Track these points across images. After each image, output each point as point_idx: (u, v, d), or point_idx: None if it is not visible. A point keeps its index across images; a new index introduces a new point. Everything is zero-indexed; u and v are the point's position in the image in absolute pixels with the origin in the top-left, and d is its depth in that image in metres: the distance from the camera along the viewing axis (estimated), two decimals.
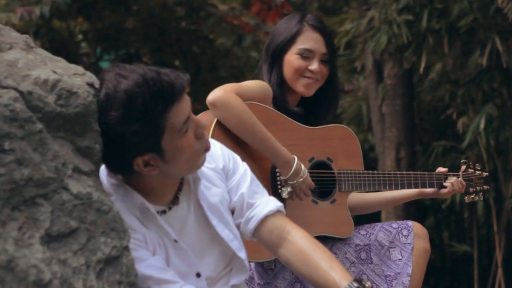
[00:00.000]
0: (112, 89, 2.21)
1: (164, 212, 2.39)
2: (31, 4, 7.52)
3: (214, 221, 2.43)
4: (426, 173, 3.25)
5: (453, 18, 6.06)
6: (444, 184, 3.27)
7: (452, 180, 3.29)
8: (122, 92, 2.20)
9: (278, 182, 3.00)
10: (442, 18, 6.13)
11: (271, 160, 2.96)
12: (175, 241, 2.37)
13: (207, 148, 2.36)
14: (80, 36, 8.71)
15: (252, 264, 3.00)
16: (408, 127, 7.03)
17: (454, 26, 6.11)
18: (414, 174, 3.22)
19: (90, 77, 2.26)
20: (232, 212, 2.50)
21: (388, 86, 6.96)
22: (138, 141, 2.21)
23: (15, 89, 2.06)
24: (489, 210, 7.44)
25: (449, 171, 3.36)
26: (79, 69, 2.27)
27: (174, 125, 2.24)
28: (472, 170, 3.40)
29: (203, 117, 2.95)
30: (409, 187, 3.20)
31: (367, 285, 2.25)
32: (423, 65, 6.16)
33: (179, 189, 2.42)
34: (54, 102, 2.13)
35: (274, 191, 2.99)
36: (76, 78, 2.22)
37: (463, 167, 3.40)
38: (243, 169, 2.53)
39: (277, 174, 3.00)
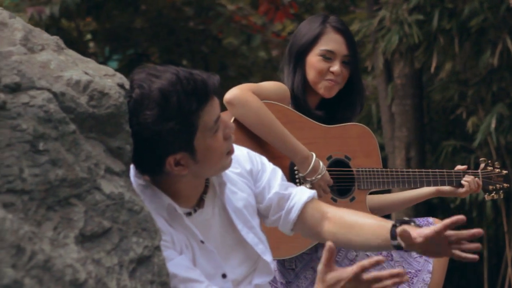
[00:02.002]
0: (146, 88, 2.24)
1: (189, 214, 2.41)
2: (41, 4, 7.54)
3: (239, 225, 2.46)
4: (444, 171, 3.27)
5: (464, 18, 6.07)
6: (462, 182, 3.28)
7: (468, 179, 3.30)
8: (157, 91, 2.22)
9: (297, 179, 3.02)
10: (453, 18, 6.14)
11: (289, 157, 2.98)
12: (202, 242, 2.39)
13: (230, 151, 2.38)
14: (88, 36, 8.72)
15: (274, 264, 3.01)
16: (418, 127, 7.04)
17: (465, 26, 6.12)
18: (432, 172, 3.24)
19: (120, 78, 2.28)
20: (268, 210, 2.53)
21: (398, 86, 6.97)
22: (172, 140, 2.24)
23: (49, 90, 2.08)
24: (497, 210, 7.45)
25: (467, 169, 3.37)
26: (110, 70, 2.29)
27: (206, 123, 2.28)
28: (491, 168, 3.41)
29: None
30: (428, 185, 3.22)
31: (411, 222, 2.34)
32: (434, 64, 6.17)
33: (204, 192, 2.44)
34: (86, 103, 2.15)
35: None
36: (107, 79, 2.24)
37: (482, 165, 3.41)
38: (271, 167, 2.56)
39: (296, 171, 3.03)
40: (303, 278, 3.02)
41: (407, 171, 3.20)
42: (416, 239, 2.29)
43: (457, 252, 2.28)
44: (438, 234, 2.26)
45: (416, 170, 3.23)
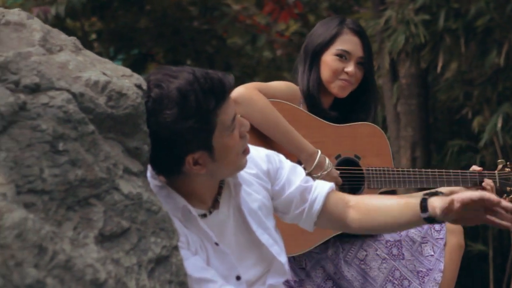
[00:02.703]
0: (165, 88, 2.26)
1: (204, 215, 2.43)
2: (46, 4, 7.56)
3: (254, 226, 2.47)
4: (459, 171, 3.26)
5: (470, 17, 6.08)
6: (484, 185, 3.25)
7: (483, 184, 3.28)
8: (175, 90, 2.25)
9: None
10: (459, 18, 6.15)
11: (295, 154, 3.00)
12: (216, 244, 2.41)
13: (245, 150, 2.40)
14: (93, 36, 8.73)
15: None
16: (423, 127, 7.05)
17: (471, 25, 6.13)
18: (446, 172, 3.24)
19: (138, 78, 2.29)
20: (289, 205, 2.54)
21: (403, 86, 6.98)
22: (191, 138, 2.27)
23: (68, 90, 2.09)
24: None
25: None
26: (127, 70, 2.30)
27: (224, 122, 2.31)
28: (509, 169, 3.41)
29: None
30: (441, 185, 3.22)
31: (439, 193, 2.36)
32: (440, 64, 6.18)
33: (219, 194, 2.46)
34: (104, 104, 2.16)
35: None
36: (125, 79, 2.24)
37: (500, 166, 3.41)
38: (290, 164, 2.58)
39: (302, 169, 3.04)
40: (314, 276, 3.03)
41: (419, 171, 3.21)
42: (454, 205, 2.29)
43: (493, 218, 2.29)
44: (476, 202, 2.27)
45: (429, 170, 3.24)
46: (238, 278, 2.44)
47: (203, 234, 2.40)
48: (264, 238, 2.47)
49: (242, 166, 2.42)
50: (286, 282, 3.00)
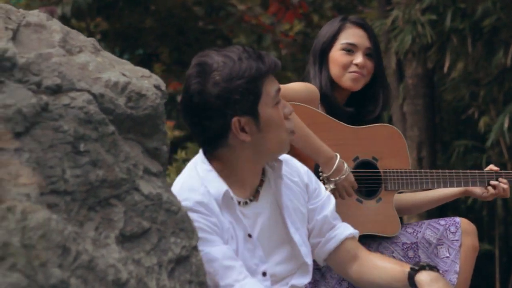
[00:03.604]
0: (213, 56, 2.40)
1: (245, 203, 2.49)
2: (52, 4, 7.57)
3: (289, 223, 2.52)
4: (476, 171, 3.26)
5: (476, 18, 6.09)
6: (492, 183, 3.25)
7: (495, 183, 3.28)
8: (227, 57, 2.39)
9: (321, 180, 3.03)
10: (465, 18, 6.16)
11: (313, 157, 2.99)
12: (249, 236, 2.45)
13: (292, 131, 2.51)
14: (98, 36, 8.75)
15: None
16: (429, 127, 7.06)
17: (477, 26, 6.14)
18: (463, 172, 3.24)
19: (156, 79, 2.29)
20: (310, 232, 2.61)
21: (409, 86, 6.99)
22: (239, 99, 2.37)
23: (88, 91, 2.10)
24: (508, 209, 7.46)
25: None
26: (146, 71, 2.30)
27: (269, 92, 2.43)
28: None
29: None
30: (458, 185, 3.22)
31: (426, 266, 2.44)
32: (447, 64, 6.19)
33: (260, 185, 2.52)
34: (124, 104, 2.17)
35: None
36: (144, 80, 2.25)
37: None
38: (326, 193, 2.66)
39: (320, 172, 3.04)
40: (329, 277, 3.03)
41: (436, 172, 3.21)
42: None
43: None
44: None
45: (446, 170, 3.24)
46: (264, 274, 2.47)
47: (237, 223, 2.44)
48: (296, 236, 2.52)
49: (286, 146, 2.49)
50: None
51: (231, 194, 2.43)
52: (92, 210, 2.02)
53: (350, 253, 2.60)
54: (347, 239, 2.60)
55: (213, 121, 2.41)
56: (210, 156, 2.50)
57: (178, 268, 2.15)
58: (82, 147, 2.03)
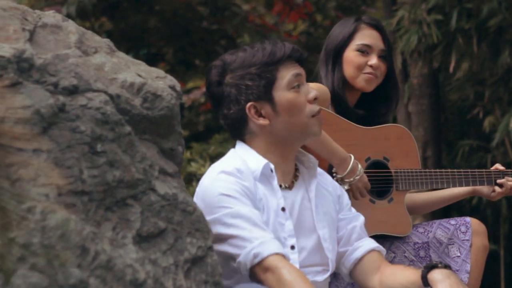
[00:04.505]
0: (236, 53, 2.56)
1: (280, 186, 2.55)
2: (56, 4, 7.58)
3: (316, 219, 2.58)
4: (483, 170, 3.27)
5: (482, 18, 6.10)
6: (499, 181, 3.26)
7: (502, 181, 3.29)
8: (245, 50, 2.55)
9: (335, 180, 3.04)
10: (471, 18, 6.17)
11: (327, 158, 3.00)
12: (283, 209, 2.51)
13: (317, 113, 2.57)
14: (103, 36, 8.76)
15: None
16: (434, 126, 7.07)
17: (483, 26, 6.15)
18: (471, 171, 3.24)
19: (171, 80, 2.30)
20: (339, 240, 2.65)
21: (414, 86, 7.00)
22: (250, 85, 2.49)
23: (105, 92, 2.11)
24: None
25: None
26: (161, 72, 2.31)
27: (284, 77, 2.51)
28: None
29: None
30: (467, 184, 3.23)
31: (438, 264, 2.45)
32: (453, 64, 6.20)
33: (295, 179, 2.60)
34: (140, 105, 2.18)
35: None
36: (159, 81, 2.26)
37: None
38: (355, 211, 2.72)
39: (334, 173, 3.05)
40: (341, 278, 3.04)
41: (446, 171, 3.22)
42: None
43: None
44: None
45: (455, 170, 3.25)
46: (292, 247, 2.50)
47: (272, 196, 2.50)
48: (321, 231, 2.57)
49: (312, 129, 2.57)
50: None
51: (271, 166, 2.51)
52: (109, 210, 2.03)
53: (375, 264, 2.62)
54: (373, 250, 2.65)
55: (230, 109, 2.52)
56: (245, 142, 2.60)
57: (194, 268, 2.16)
58: (99, 147, 2.04)
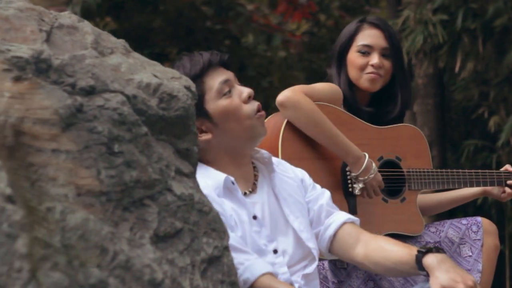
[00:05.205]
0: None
1: (244, 194, 2.54)
2: (62, 4, 7.59)
3: (288, 212, 2.57)
4: (494, 171, 3.28)
5: (488, 18, 6.10)
6: (509, 182, 3.27)
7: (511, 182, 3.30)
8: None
9: (349, 180, 3.05)
10: (477, 18, 6.18)
11: (342, 157, 3.02)
12: (254, 217, 2.50)
13: (259, 110, 2.53)
14: None
15: (326, 264, 3.05)
16: (440, 126, 7.08)
17: (489, 26, 6.15)
18: (482, 172, 3.26)
19: (186, 80, 2.31)
20: (311, 223, 2.63)
21: (419, 86, 7.01)
22: None
23: (122, 93, 2.11)
24: None
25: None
26: (175, 73, 2.32)
27: (211, 87, 2.51)
28: None
29: (272, 119, 3.02)
30: (478, 185, 3.24)
31: (432, 248, 2.44)
32: (458, 64, 6.21)
33: (256, 180, 2.58)
34: (156, 106, 2.18)
35: (345, 189, 3.05)
36: (174, 81, 2.27)
37: None
38: (321, 188, 2.70)
39: (348, 172, 3.06)
40: (355, 277, 3.05)
41: (457, 171, 3.23)
42: None
43: None
44: None
45: (466, 170, 3.26)
46: (275, 251, 2.51)
47: (241, 208, 2.49)
48: (295, 224, 2.56)
49: (257, 129, 2.54)
50: (325, 283, 3.02)
51: (231, 178, 2.49)
52: (126, 210, 2.03)
53: (352, 236, 2.60)
54: (346, 223, 2.62)
55: None
56: (200, 160, 2.54)
57: (211, 268, 2.17)
58: (116, 148, 2.04)
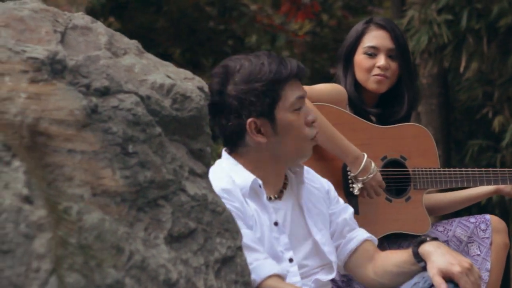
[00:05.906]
0: (239, 61, 2.50)
1: (269, 198, 2.55)
2: (66, 4, 7.60)
3: (311, 223, 2.58)
4: (506, 169, 3.27)
5: (492, 18, 6.11)
6: None
7: None
8: (250, 60, 2.49)
9: (349, 180, 3.06)
10: (481, 18, 6.19)
11: (341, 157, 3.02)
12: (275, 223, 2.51)
13: (314, 138, 2.55)
14: None
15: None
16: (444, 126, 7.09)
17: (493, 26, 6.16)
18: (493, 170, 3.25)
19: (199, 81, 2.32)
20: (332, 235, 2.66)
21: (424, 85, 7.02)
22: (254, 101, 2.45)
23: (136, 93, 2.12)
24: None
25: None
26: (188, 73, 2.33)
27: (288, 97, 2.49)
28: None
29: None
30: (488, 183, 3.23)
31: (426, 239, 2.47)
32: (463, 64, 6.22)
33: (284, 188, 2.59)
34: (170, 106, 2.19)
35: (346, 189, 3.05)
36: (187, 82, 2.28)
37: None
38: (344, 203, 2.73)
39: (348, 172, 3.07)
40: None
41: (466, 170, 3.23)
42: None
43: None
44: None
45: (476, 169, 3.25)
46: (291, 260, 2.51)
47: (263, 212, 2.50)
48: (318, 236, 2.58)
49: (306, 152, 2.56)
50: (334, 282, 3.03)
51: (259, 181, 2.50)
52: (141, 211, 2.04)
53: (368, 253, 2.64)
54: (366, 240, 2.66)
55: (230, 121, 2.51)
56: (234, 154, 2.58)
57: (224, 268, 2.18)
58: (130, 148, 2.05)
